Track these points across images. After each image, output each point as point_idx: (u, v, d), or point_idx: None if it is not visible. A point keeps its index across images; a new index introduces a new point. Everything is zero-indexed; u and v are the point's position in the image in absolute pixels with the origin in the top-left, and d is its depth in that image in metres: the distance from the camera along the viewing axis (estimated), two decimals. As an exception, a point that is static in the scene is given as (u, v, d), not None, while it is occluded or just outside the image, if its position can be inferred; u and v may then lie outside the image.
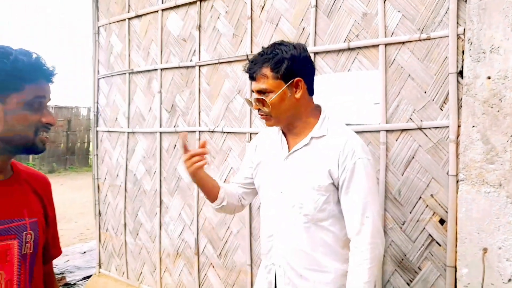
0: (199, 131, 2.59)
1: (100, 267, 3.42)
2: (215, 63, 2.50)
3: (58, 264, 4.84)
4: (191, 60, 2.64)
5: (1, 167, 1.10)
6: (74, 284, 4.17)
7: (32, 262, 1.13)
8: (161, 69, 2.81)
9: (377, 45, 1.90)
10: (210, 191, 1.58)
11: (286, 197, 1.45)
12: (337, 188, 1.41)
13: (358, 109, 1.97)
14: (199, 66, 2.58)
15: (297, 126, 1.47)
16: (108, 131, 3.29)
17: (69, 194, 9.30)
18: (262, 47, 1.46)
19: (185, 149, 1.46)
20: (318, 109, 1.51)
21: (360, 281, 1.32)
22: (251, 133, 2.33)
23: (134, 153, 3.06)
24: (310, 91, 1.47)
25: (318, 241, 1.41)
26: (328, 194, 1.39)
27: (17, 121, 1.07)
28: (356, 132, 1.90)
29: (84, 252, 5.29)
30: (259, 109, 1.45)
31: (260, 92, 1.42)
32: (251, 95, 2.24)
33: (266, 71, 1.39)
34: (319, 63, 2.08)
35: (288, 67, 1.37)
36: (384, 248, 1.41)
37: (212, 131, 2.53)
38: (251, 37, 2.33)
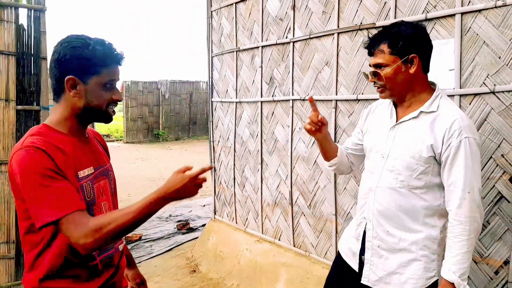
0: (292, 100, 2.95)
1: (215, 214, 4.05)
2: (307, 39, 2.79)
3: (183, 213, 5.83)
4: (286, 37, 2.96)
5: (83, 130, 1.36)
6: (196, 228, 5.05)
7: (115, 195, 1.49)
8: (262, 47, 3.19)
9: (454, 15, 1.98)
10: (326, 151, 1.77)
11: (387, 161, 1.56)
12: (438, 162, 1.48)
13: (434, 76, 2.09)
14: (293, 42, 2.90)
15: (409, 99, 1.55)
16: (221, 101, 3.83)
17: (192, 157, 10.58)
18: (383, 26, 1.63)
19: (314, 111, 1.67)
20: (431, 87, 1.57)
21: (460, 250, 1.41)
22: (336, 100, 2.61)
23: (241, 119, 3.55)
24: (425, 69, 1.54)
25: (408, 205, 1.51)
26: (427, 165, 1.47)
27: (94, 98, 1.26)
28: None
29: (204, 205, 6.18)
30: (374, 82, 1.56)
31: (376, 66, 1.53)
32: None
33: (384, 47, 1.49)
34: (399, 34, 2.24)
35: (404, 44, 1.46)
36: (482, 222, 1.46)
37: (303, 99, 2.86)
38: (338, 13, 2.56)
